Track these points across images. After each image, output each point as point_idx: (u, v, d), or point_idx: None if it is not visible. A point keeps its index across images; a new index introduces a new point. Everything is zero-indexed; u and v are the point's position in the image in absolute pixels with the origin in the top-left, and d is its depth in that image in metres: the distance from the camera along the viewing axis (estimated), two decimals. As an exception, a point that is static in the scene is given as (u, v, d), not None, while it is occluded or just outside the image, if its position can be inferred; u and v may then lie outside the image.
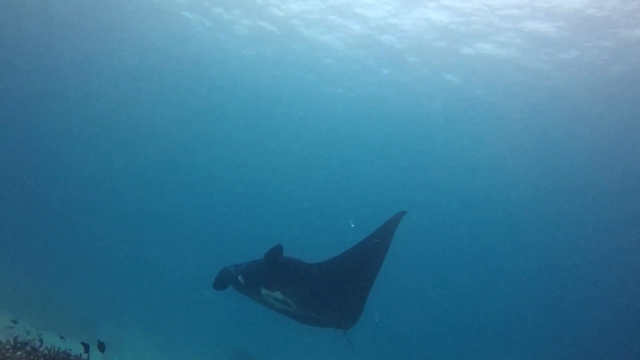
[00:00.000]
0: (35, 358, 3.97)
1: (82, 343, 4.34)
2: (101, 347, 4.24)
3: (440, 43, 16.96)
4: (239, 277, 6.22)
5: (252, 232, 37.00)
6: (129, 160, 38.76)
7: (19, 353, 4.00)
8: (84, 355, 4.44)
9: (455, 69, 18.62)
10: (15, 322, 9.73)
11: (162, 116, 33.88)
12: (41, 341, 4.84)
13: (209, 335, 20.31)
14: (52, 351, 4.28)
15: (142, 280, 26.23)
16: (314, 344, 21.07)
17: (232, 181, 40.56)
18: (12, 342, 4.26)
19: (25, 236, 23.88)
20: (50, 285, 19.67)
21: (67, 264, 23.13)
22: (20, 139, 35.30)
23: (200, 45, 22.37)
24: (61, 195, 33.66)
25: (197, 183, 41.35)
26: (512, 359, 31.53)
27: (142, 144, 37.56)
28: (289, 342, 20.79)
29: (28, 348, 4.19)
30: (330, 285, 6.36)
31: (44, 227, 27.78)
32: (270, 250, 6.35)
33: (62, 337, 6.77)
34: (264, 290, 6.43)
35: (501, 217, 32.75)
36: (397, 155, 30.90)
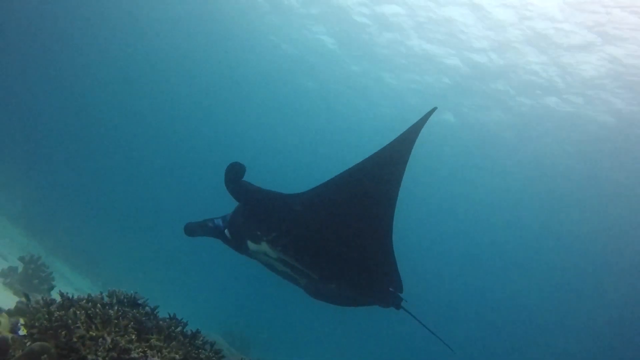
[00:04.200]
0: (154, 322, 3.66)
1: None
2: None
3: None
4: (225, 230, 4.74)
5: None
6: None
7: (130, 315, 3.73)
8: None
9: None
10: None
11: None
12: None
13: (204, 305, 20.29)
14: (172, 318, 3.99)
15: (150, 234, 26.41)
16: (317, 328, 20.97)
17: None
18: (117, 297, 4.03)
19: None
20: (62, 217, 19.74)
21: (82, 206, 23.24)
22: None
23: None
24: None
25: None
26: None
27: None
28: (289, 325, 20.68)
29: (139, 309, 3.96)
30: (328, 223, 4.37)
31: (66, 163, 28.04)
32: (226, 171, 4.53)
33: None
34: (250, 245, 4.63)
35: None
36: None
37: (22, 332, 3.83)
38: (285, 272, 4.75)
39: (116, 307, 3.41)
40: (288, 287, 5.12)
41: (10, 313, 4.43)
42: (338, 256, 4.49)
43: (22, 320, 4.70)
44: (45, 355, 3.23)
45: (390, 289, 4.64)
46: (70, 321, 3.10)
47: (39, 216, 17.35)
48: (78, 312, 3.24)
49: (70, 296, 3.66)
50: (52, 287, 7.63)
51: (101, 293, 4.17)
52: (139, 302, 4.13)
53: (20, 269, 7.74)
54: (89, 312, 3.27)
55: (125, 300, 4.06)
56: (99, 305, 3.34)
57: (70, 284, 13.20)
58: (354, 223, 4.32)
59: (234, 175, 4.60)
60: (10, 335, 3.25)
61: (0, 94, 28.35)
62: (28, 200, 17.97)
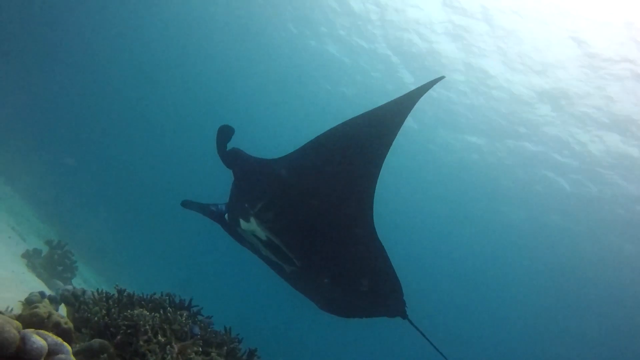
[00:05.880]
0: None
1: None
2: None
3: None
4: (226, 215, 4.60)
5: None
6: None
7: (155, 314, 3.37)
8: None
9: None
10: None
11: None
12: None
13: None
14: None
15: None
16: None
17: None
18: (170, 300, 3.80)
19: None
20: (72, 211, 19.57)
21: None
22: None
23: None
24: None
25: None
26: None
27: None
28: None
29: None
30: (312, 190, 3.97)
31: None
32: (217, 133, 4.31)
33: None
34: (242, 223, 4.37)
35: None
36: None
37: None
38: (273, 259, 4.40)
39: (185, 314, 3.15)
40: (294, 298, 4.85)
41: (52, 299, 4.19)
42: (324, 239, 4.10)
43: (64, 309, 4.47)
44: (105, 355, 2.98)
45: (392, 292, 4.19)
46: (141, 322, 2.86)
47: (51, 201, 17.19)
48: (147, 313, 3.00)
49: (132, 292, 3.43)
50: (74, 276, 7.38)
51: (155, 293, 3.94)
52: (194, 309, 3.91)
53: (44, 253, 7.52)
54: (158, 315, 3.02)
55: (179, 304, 3.83)
56: (169, 309, 3.09)
57: (78, 274, 12.94)
58: (338, 194, 3.89)
59: (221, 138, 4.35)
60: (72, 327, 2.99)
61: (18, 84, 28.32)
62: (43, 183, 17.86)
